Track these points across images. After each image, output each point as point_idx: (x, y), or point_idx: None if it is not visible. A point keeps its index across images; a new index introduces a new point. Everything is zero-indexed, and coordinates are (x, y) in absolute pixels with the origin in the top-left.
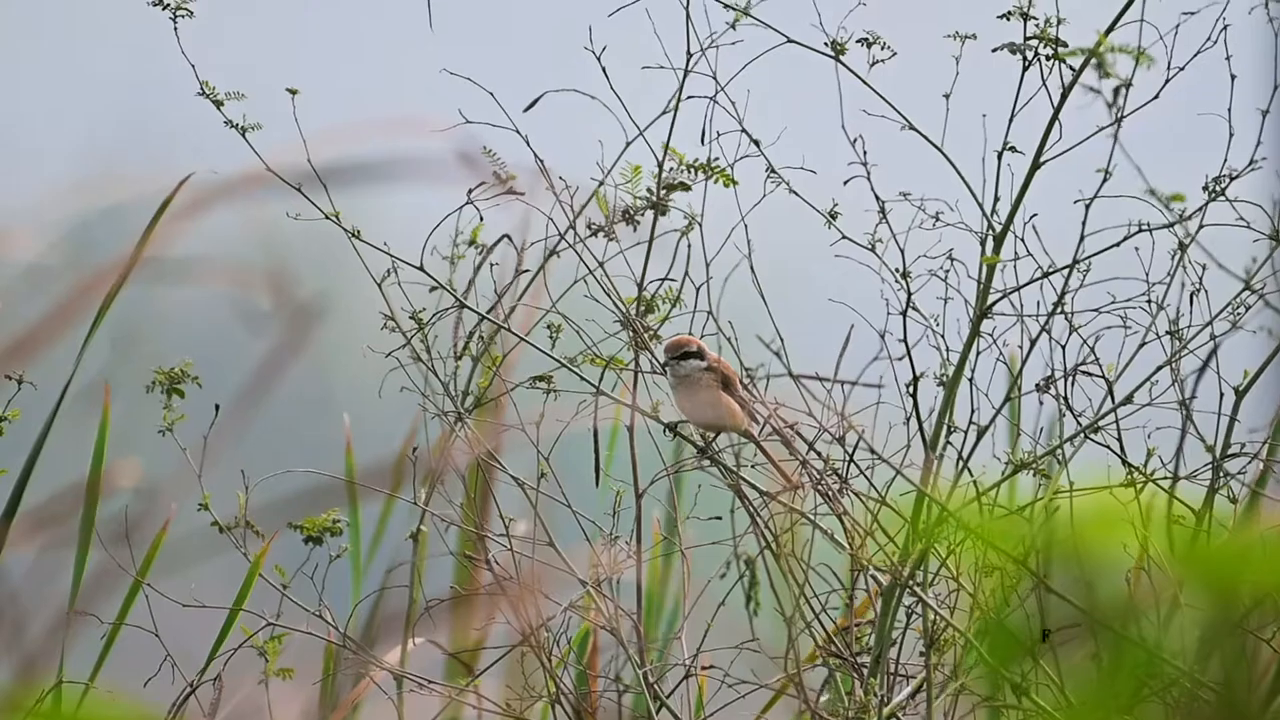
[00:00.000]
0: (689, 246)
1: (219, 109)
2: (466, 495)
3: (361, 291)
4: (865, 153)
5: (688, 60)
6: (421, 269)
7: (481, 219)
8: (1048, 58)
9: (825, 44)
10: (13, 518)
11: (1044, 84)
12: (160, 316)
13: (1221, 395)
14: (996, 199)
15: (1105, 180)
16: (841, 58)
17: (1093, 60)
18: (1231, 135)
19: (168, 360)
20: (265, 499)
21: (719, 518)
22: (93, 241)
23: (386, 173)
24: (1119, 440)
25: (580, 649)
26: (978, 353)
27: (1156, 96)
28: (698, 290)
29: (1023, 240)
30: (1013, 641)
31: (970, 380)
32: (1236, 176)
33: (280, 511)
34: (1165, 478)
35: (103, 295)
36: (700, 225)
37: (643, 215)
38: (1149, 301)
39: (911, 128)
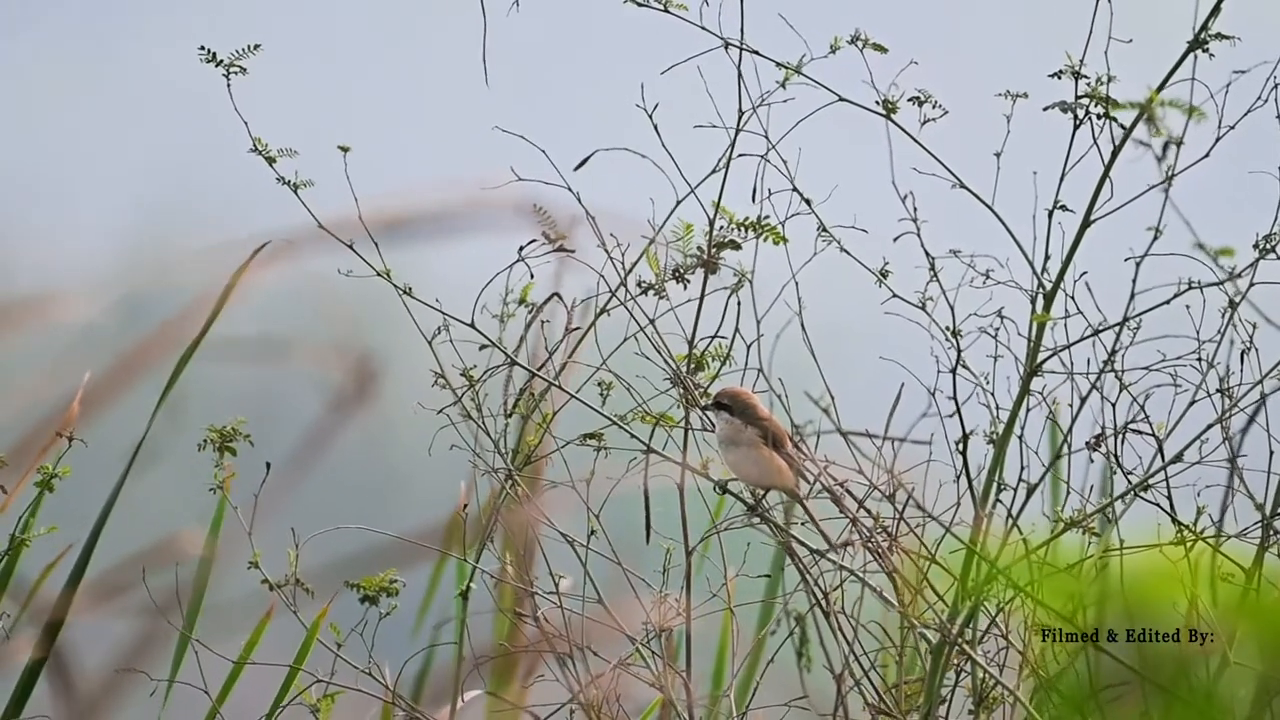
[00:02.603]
0: (739, 304)
1: (271, 165)
2: (514, 552)
3: (413, 349)
4: (916, 210)
5: (739, 118)
6: (473, 326)
7: (532, 276)
8: (1099, 116)
9: (877, 102)
10: (77, 585)
11: (1095, 142)
12: (210, 374)
13: (1271, 453)
14: (1047, 257)
15: (1156, 238)
16: (893, 116)
17: (1144, 116)
18: None
19: (218, 418)
20: (316, 559)
21: (768, 575)
22: (147, 303)
23: (442, 230)
24: (1169, 498)
25: None
26: (1027, 410)
27: (1207, 154)
28: (748, 347)
29: (1073, 298)
30: (1064, 700)
31: (1020, 438)
32: None
33: (334, 571)
34: (1215, 535)
35: (158, 358)
36: (751, 282)
37: (693, 273)
38: (1199, 359)
39: (962, 185)
